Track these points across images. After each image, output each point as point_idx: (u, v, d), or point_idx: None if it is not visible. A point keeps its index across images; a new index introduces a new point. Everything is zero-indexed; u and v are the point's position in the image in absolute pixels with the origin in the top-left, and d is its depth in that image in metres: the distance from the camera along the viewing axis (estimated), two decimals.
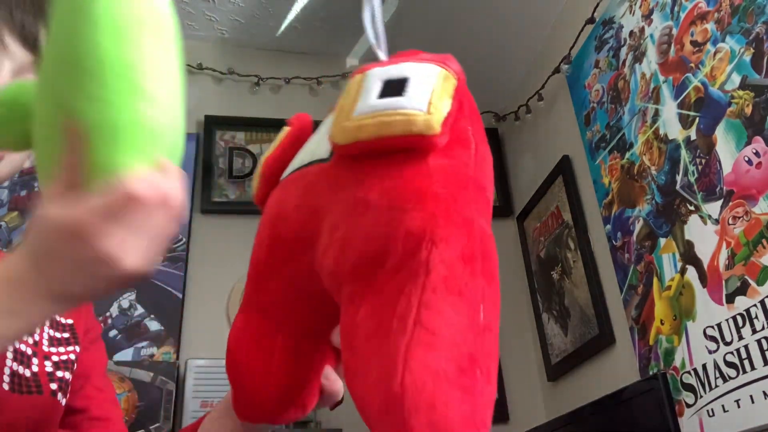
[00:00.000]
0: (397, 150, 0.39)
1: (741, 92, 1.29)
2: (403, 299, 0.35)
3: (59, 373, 0.71)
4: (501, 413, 2.06)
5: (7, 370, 0.64)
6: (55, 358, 0.71)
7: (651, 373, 1.52)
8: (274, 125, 2.36)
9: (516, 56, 2.34)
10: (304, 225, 0.45)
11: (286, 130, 0.55)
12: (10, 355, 0.65)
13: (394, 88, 0.40)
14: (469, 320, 0.36)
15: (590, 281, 1.85)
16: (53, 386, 0.70)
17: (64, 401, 0.72)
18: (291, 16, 2.36)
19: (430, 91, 0.39)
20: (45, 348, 0.71)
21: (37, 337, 0.70)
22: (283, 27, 2.42)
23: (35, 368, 0.68)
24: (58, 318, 0.74)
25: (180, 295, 1.99)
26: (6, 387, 0.64)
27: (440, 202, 0.38)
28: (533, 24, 2.20)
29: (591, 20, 1.89)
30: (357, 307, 0.38)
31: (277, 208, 0.49)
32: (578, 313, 1.92)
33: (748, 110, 1.27)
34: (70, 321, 0.76)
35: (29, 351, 0.68)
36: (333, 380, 0.59)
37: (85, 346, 0.77)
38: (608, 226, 1.77)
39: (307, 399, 0.54)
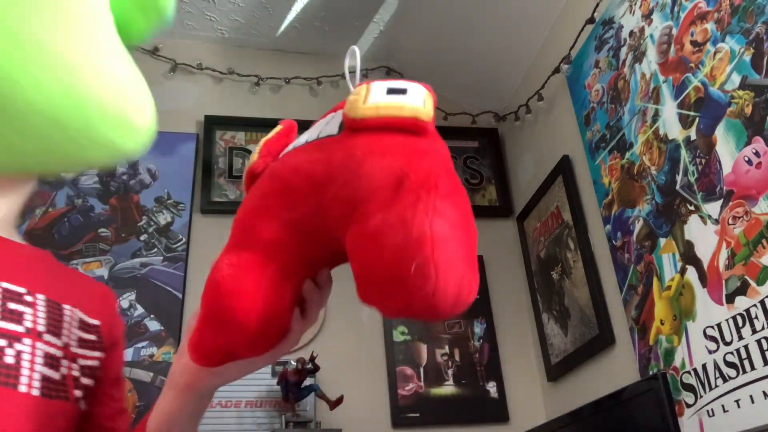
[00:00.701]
0: (400, 128, 0.53)
1: (741, 92, 1.29)
2: (421, 203, 0.48)
3: (84, 380, 0.70)
4: (501, 413, 2.07)
5: (36, 375, 0.63)
6: (81, 362, 0.70)
7: (651, 373, 1.52)
8: (274, 125, 2.33)
9: (516, 56, 2.34)
10: (318, 172, 0.56)
11: (279, 127, 0.71)
12: (40, 360, 0.64)
13: (397, 92, 0.55)
14: (467, 220, 0.51)
15: (590, 281, 1.85)
16: (78, 393, 0.69)
17: (84, 408, 0.71)
18: (291, 16, 2.36)
19: (423, 96, 0.55)
20: (72, 349, 0.69)
21: (65, 339, 0.69)
22: (283, 27, 2.42)
23: (64, 371, 0.67)
24: (86, 319, 0.73)
25: (180, 295, 1.99)
26: (36, 393, 0.62)
27: (437, 158, 0.53)
28: (533, 24, 2.20)
29: (591, 20, 1.89)
30: (372, 216, 0.49)
31: (286, 166, 0.61)
32: (578, 313, 1.92)
33: (748, 110, 1.27)
34: (96, 322, 0.75)
35: (59, 354, 0.67)
36: (297, 321, 0.63)
37: (105, 347, 0.76)
38: (608, 226, 1.77)
39: (275, 336, 0.62)
